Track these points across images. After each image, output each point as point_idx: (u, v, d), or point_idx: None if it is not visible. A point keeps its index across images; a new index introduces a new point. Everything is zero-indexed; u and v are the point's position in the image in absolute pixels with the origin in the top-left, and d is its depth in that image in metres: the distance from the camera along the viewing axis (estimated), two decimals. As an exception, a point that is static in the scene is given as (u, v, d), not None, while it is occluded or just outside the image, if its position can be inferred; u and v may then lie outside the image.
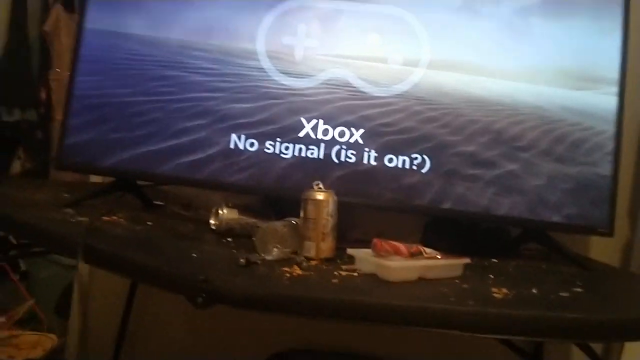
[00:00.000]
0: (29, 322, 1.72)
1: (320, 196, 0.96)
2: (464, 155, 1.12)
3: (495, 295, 0.77)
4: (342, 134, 1.14)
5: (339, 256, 0.95)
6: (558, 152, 1.12)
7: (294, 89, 1.16)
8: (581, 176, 1.10)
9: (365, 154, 1.12)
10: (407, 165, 1.11)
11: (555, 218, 1.10)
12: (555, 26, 1.14)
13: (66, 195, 1.16)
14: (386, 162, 1.12)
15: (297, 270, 0.84)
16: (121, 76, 1.18)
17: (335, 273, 0.85)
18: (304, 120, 1.14)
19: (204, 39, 1.18)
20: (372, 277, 0.83)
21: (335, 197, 0.97)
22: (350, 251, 0.91)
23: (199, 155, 1.14)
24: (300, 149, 1.13)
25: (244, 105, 1.16)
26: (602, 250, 1.32)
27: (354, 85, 1.15)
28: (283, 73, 1.16)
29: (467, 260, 0.91)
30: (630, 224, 1.37)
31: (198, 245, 0.99)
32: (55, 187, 1.31)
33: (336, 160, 1.13)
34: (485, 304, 0.72)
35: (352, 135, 1.13)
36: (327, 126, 1.14)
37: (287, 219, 1.01)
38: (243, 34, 1.17)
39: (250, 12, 1.17)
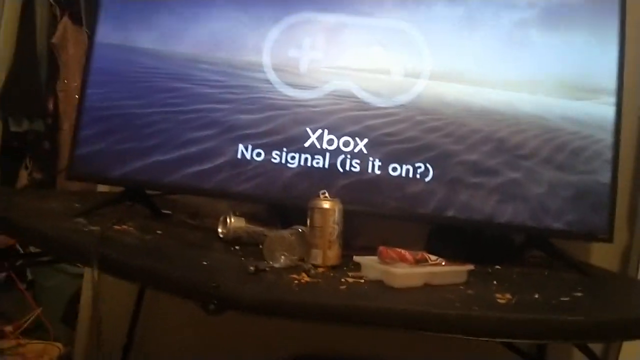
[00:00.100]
0: (36, 331, 1.74)
1: (326, 205, 0.98)
2: (466, 164, 1.14)
3: (499, 300, 0.79)
4: (346, 144, 1.16)
5: (345, 263, 0.97)
6: (558, 160, 1.14)
7: (299, 100, 1.18)
8: (581, 184, 1.12)
9: (370, 163, 1.15)
10: (410, 174, 1.13)
11: (557, 225, 1.11)
12: (554, 38, 1.17)
13: (77, 204, 1.18)
14: (390, 171, 1.14)
15: (305, 278, 0.86)
16: (130, 88, 1.21)
17: (343, 280, 0.87)
18: (309, 131, 1.17)
19: (211, 52, 1.21)
20: (379, 284, 0.85)
21: (341, 206, 0.99)
22: (356, 258, 0.93)
23: (207, 165, 1.17)
24: (306, 159, 1.16)
25: (250, 116, 1.18)
26: (602, 256, 1.33)
27: (358, 97, 1.18)
28: (288, 85, 1.19)
29: (471, 267, 0.92)
30: (629, 230, 1.39)
31: (207, 253, 1.01)
32: (65, 196, 1.34)
33: (341, 170, 1.15)
34: (489, 309, 0.74)
35: (356, 145, 1.16)
36: (332, 136, 1.16)
37: (293, 227, 1.03)
38: (249, 47, 1.20)
39: (256, 26, 1.20)
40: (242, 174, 1.16)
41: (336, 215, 0.98)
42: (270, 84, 1.19)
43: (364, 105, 1.17)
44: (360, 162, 1.15)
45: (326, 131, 1.16)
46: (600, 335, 0.79)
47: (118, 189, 1.25)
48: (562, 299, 0.84)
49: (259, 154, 1.17)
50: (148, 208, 1.24)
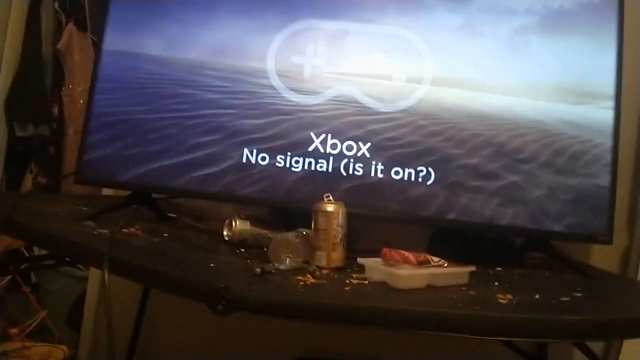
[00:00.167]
0: (40, 333, 1.75)
1: (330, 208, 1.00)
2: (467, 167, 1.16)
3: (500, 300, 0.81)
4: (349, 148, 1.18)
5: (349, 265, 0.98)
6: (558, 164, 1.15)
7: (303, 106, 1.21)
8: (581, 187, 1.14)
9: (373, 167, 1.17)
10: (412, 178, 1.15)
11: (557, 227, 1.13)
12: (553, 44, 1.19)
13: (84, 208, 1.20)
14: (392, 175, 1.16)
15: (311, 279, 0.88)
16: (137, 95, 1.23)
17: (347, 281, 0.89)
18: (313, 135, 1.19)
19: (217, 59, 1.23)
20: (383, 285, 0.87)
21: (345, 209, 1.01)
22: (360, 260, 0.95)
23: (213, 169, 1.19)
24: (310, 163, 1.18)
25: (255, 121, 1.20)
26: (602, 257, 1.35)
27: (361, 102, 1.20)
28: (292, 90, 1.21)
29: (472, 268, 0.94)
30: (629, 232, 1.40)
31: (213, 255, 1.03)
32: (72, 200, 1.35)
33: (344, 173, 1.17)
34: (491, 309, 0.76)
35: (359, 149, 1.18)
36: (335, 140, 1.18)
37: (298, 229, 1.04)
38: (254, 54, 1.22)
39: (260, 33, 1.23)
40: (247, 177, 1.18)
41: (340, 218, 1.00)
42: (275, 89, 1.21)
43: (366, 110, 1.19)
44: (363, 166, 1.17)
45: (329, 136, 1.18)
46: (599, 335, 0.81)
47: (123, 193, 1.27)
48: (562, 299, 0.85)
49: (263, 158, 1.19)
50: (154, 212, 1.26)
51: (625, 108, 1.19)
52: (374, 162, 1.17)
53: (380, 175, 1.16)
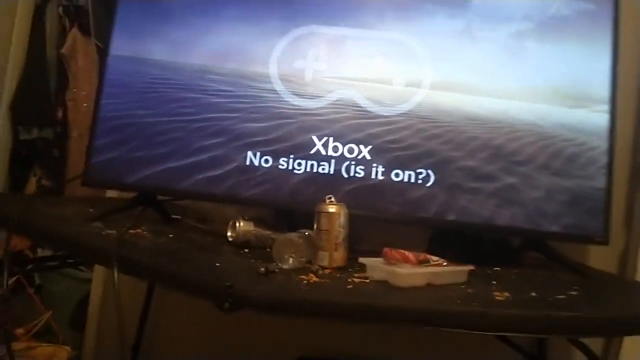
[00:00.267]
0: (44, 334, 1.77)
1: (332, 209, 1.02)
2: (466, 169, 1.18)
3: (497, 298, 0.83)
4: (351, 151, 1.21)
5: (351, 265, 1.00)
6: (554, 166, 1.17)
7: (305, 109, 1.23)
8: (577, 189, 1.15)
9: (373, 169, 1.19)
10: (412, 180, 1.17)
11: (554, 228, 1.14)
12: (549, 49, 1.21)
13: (90, 209, 1.22)
14: (393, 177, 1.18)
15: (313, 278, 0.90)
16: (143, 99, 1.26)
17: (349, 280, 0.91)
18: (315, 138, 1.21)
19: (221, 64, 1.26)
20: (384, 284, 0.89)
21: (347, 210, 1.03)
22: (361, 260, 0.97)
23: (217, 171, 1.21)
24: (312, 165, 1.20)
25: (258, 125, 1.23)
26: (601, 259, 1.35)
27: (361, 105, 1.22)
28: (294, 94, 1.24)
29: (471, 267, 0.96)
30: (626, 234, 1.41)
31: (218, 255, 1.05)
32: (78, 202, 1.38)
33: (346, 176, 1.19)
34: (487, 305, 0.78)
35: (360, 151, 1.20)
36: (337, 143, 1.21)
37: (300, 230, 1.07)
38: (257, 59, 1.25)
39: (263, 38, 1.26)
40: (251, 180, 1.20)
41: (342, 219, 1.02)
42: (277, 93, 1.24)
43: (367, 114, 1.22)
44: (364, 168, 1.19)
45: (331, 139, 1.21)
46: (594, 331, 0.83)
47: (128, 195, 1.29)
48: (558, 297, 0.87)
49: (266, 161, 1.21)
50: (159, 213, 1.28)
51: (621, 111, 1.20)
52: (374, 165, 1.19)
53: (380, 178, 1.18)
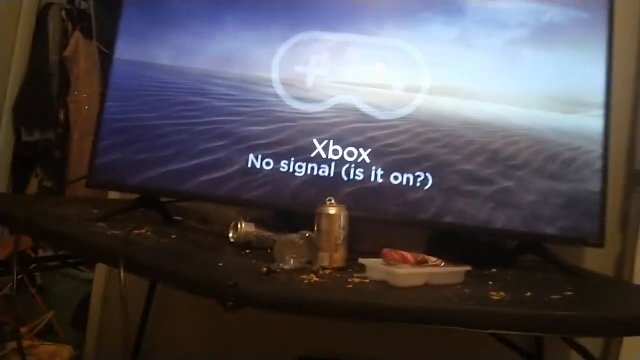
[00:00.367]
0: (47, 334, 1.78)
1: (332, 210, 1.04)
2: (463, 173, 1.20)
3: (493, 297, 0.85)
4: (350, 154, 1.23)
5: (351, 265, 1.02)
6: (550, 170, 1.19)
7: (306, 113, 1.25)
8: (572, 192, 1.18)
9: (373, 172, 1.21)
10: (411, 183, 1.20)
11: (550, 231, 1.16)
12: (544, 55, 1.23)
13: (94, 210, 1.24)
14: (392, 180, 1.20)
15: (314, 278, 0.92)
16: (147, 102, 1.28)
17: (349, 280, 0.93)
18: (315, 142, 1.23)
19: (224, 68, 1.28)
20: (383, 283, 0.91)
21: (347, 212, 1.05)
22: (361, 260, 0.99)
23: (219, 173, 1.23)
24: (313, 168, 1.22)
25: (260, 128, 1.25)
26: (597, 262, 1.37)
27: (361, 110, 1.25)
28: (296, 99, 1.26)
29: (468, 268, 0.98)
30: (622, 237, 1.43)
31: (221, 256, 1.07)
32: (80, 203, 1.39)
33: (345, 178, 1.21)
34: (483, 304, 0.81)
35: (360, 155, 1.22)
36: (337, 147, 1.23)
37: (301, 231, 1.08)
38: (259, 64, 1.28)
39: (265, 43, 1.28)
40: (252, 182, 1.23)
41: (342, 220, 1.04)
42: (279, 97, 1.26)
43: (366, 118, 1.24)
44: (364, 171, 1.21)
45: (331, 142, 1.23)
46: (588, 331, 0.84)
47: (130, 196, 1.31)
48: (553, 296, 0.89)
49: (268, 164, 1.23)
50: (161, 214, 1.30)
51: (616, 115, 1.23)
52: (374, 168, 1.21)
53: (380, 180, 1.21)
